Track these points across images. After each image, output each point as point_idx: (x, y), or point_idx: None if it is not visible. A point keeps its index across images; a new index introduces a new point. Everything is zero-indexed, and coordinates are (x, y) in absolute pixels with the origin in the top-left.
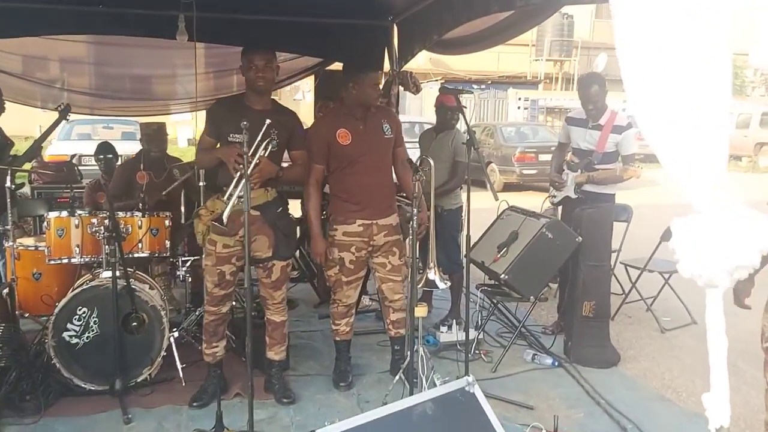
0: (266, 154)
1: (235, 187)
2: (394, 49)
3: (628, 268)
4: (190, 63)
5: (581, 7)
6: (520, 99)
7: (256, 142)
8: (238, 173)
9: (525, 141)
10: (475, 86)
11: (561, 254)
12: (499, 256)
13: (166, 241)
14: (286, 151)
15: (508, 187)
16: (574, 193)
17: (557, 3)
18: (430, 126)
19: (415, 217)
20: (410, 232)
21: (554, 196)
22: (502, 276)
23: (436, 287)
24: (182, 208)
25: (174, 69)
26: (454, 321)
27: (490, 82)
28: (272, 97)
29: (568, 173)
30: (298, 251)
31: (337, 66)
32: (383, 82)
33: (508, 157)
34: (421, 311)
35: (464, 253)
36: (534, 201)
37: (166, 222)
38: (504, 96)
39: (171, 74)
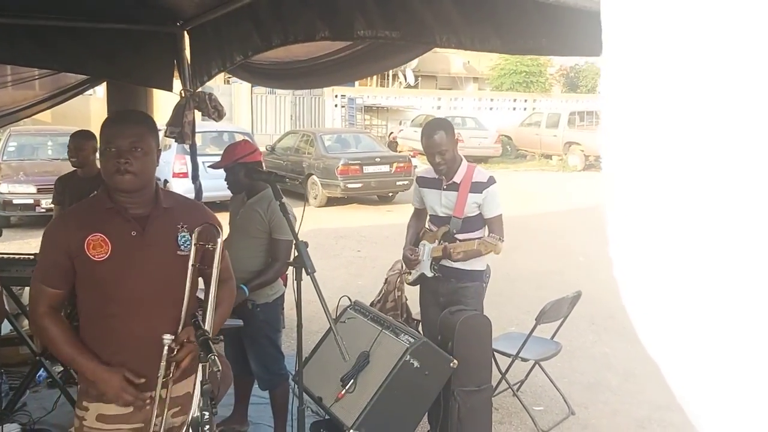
0: None
1: None
2: (186, 62)
3: (495, 354)
4: None
5: None
6: (337, 96)
7: None
8: None
9: (348, 150)
10: None
11: (432, 389)
12: (343, 392)
13: None
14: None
15: (331, 202)
16: (430, 271)
17: (417, 40)
18: (243, 136)
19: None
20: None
21: (409, 274)
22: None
23: None
24: None
25: None
26: None
27: None
28: None
29: (425, 245)
30: None
31: None
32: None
33: (331, 169)
34: None
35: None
36: (359, 216)
37: None
38: (320, 93)
39: None
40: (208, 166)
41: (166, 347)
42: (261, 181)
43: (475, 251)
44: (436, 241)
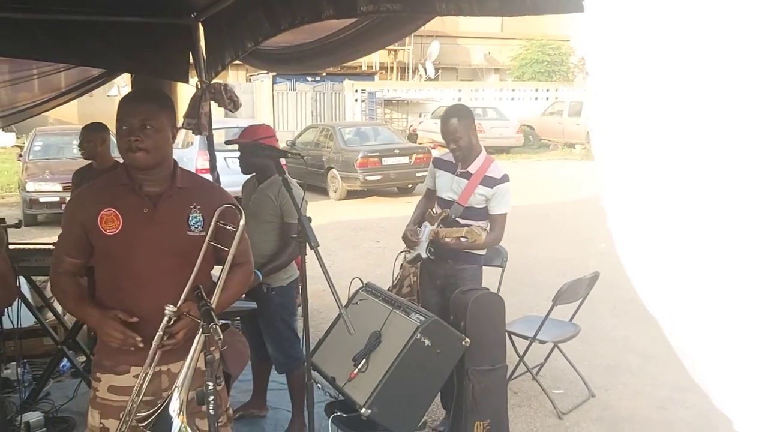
0: None
1: None
2: (201, 54)
3: (513, 337)
4: None
5: None
6: (357, 91)
7: None
8: None
9: (366, 143)
10: (309, 78)
11: (444, 367)
12: (355, 371)
13: None
14: None
15: (351, 195)
16: (425, 252)
17: (418, 11)
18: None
19: None
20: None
21: (408, 253)
22: (364, 410)
23: None
24: None
25: None
26: None
27: (324, 73)
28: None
29: (426, 226)
30: None
31: None
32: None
33: (350, 162)
34: None
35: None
36: (379, 208)
37: None
38: (340, 88)
39: None
40: (225, 142)
41: (166, 318)
42: (263, 156)
43: (462, 238)
44: (436, 223)
